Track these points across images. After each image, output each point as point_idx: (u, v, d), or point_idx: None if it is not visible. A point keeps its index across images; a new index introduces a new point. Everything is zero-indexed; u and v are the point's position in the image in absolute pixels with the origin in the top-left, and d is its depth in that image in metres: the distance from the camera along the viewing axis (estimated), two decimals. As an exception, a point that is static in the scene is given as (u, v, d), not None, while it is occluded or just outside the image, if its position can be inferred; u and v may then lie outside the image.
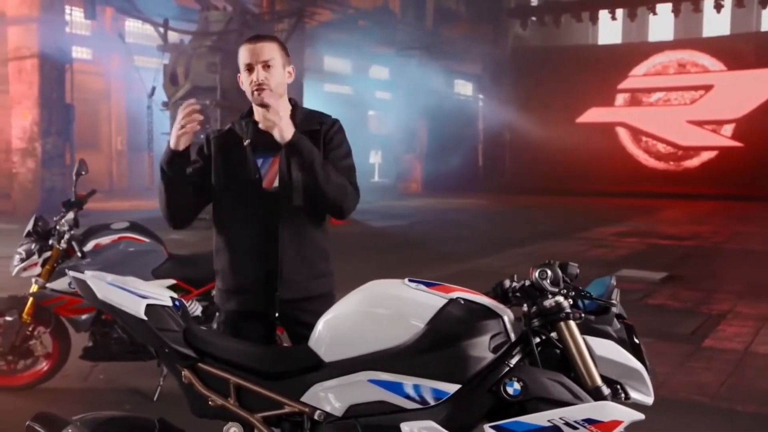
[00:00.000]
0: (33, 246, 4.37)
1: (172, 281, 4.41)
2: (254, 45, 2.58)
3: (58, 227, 4.36)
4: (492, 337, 2.09)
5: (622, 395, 2.11)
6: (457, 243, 12.21)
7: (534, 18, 28.80)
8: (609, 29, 29.74)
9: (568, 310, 2.10)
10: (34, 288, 4.38)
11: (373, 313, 2.17)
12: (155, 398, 4.07)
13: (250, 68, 2.56)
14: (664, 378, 4.90)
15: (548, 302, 2.11)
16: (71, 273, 2.34)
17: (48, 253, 4.35)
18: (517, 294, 2.19)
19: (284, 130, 2.45)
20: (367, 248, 10.95)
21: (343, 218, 2.68)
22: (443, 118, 25.34)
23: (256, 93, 2.56)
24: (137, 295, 2.18)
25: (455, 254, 10.56)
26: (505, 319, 2.15)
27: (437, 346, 2.05)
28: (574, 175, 26.18)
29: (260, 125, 2.52)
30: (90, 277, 2.23)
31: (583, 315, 2.10)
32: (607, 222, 15.57)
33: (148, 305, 2.16)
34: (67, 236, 4.30)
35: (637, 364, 2.12)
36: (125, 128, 24.05)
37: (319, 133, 2.62)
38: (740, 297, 7.68)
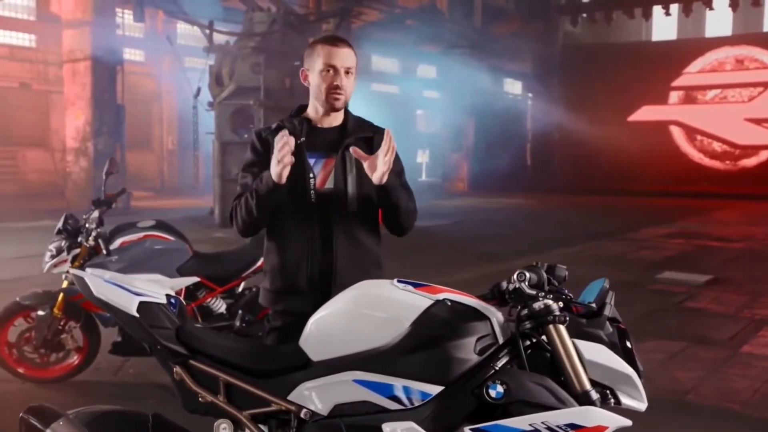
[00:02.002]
0: (63, 243, 4.51)
1: (196, 279, 4.50)
2: (340, 49, 2.57)
3: (86, 225, 4.49)
4: (478, 339, 2.06)
5: (612, 401, 2.06)
6: (498, 243, 12.07)
7: (585, 15, 28.23)
8: (663, 25, 29.06)
9: (557, 313, 2.05)
10: (64, 284, 4.52)
11: (360, 313, 2.17)
12: (179, 393, 4.14)
13: (333, 70, 2.56)
14: (695, 383, 4.77)
15: (537, 304, 2.08)
16: (72, 271, 2.40)
17: (77, 250, 4.48)
18: (512, 296, 2.17)
19: (386, 175, 2.45)
20: (406, 247, 10.91)
21: (402, 236, 2.69)
22: (491, 117, 25.07)
23: (332, 95, 2.56)
24: (131, 292, 2.22)
25: (495, 254, 10.43)
26: (494, 321, 2.11)
27: (420, 347, 2.03)
28: (625, 174, 25.60)
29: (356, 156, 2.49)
30: (88, 274, 2.28)
31: (568, 318, 2.05)
32: (656, 222, 15.20)
33: (141, 302, 2.19)
34: (94, 234, 4.43)
35: (628, 369, 2.06)
36: (176, 128, 24.55)
37: (372, 140, 2.64)
38: (787, 302, 7.41)
